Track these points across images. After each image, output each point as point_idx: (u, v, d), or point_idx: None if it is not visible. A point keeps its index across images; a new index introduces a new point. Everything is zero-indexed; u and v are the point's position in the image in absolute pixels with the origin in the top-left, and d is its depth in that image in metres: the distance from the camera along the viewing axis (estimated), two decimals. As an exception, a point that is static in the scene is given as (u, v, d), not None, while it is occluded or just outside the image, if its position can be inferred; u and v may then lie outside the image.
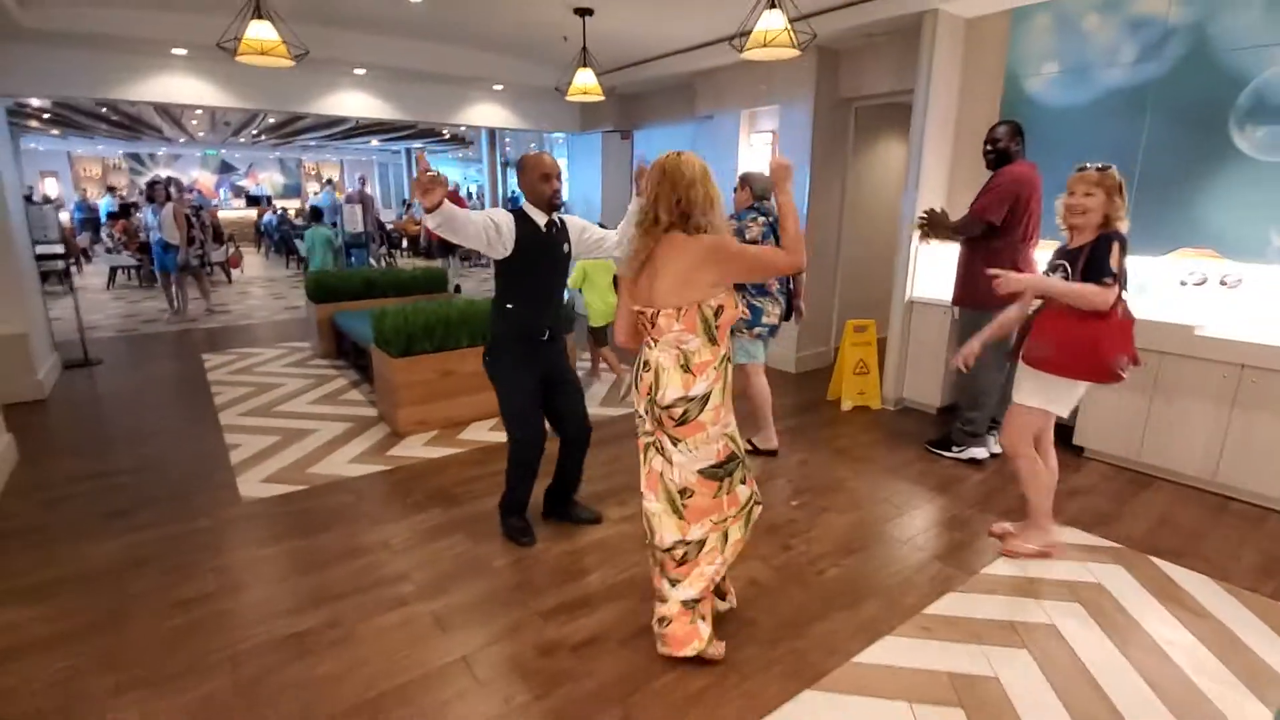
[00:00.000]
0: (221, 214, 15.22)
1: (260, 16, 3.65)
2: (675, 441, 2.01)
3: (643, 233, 1.99)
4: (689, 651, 2.10)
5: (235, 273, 11.59)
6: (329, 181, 18.64)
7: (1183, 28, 3.53)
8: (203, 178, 19.04)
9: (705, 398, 1.96)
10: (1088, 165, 2.60)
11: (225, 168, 19.59)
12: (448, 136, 14.92)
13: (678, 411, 1.97)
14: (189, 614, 2.41)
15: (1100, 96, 3.88)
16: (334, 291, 6.13)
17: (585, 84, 5.02)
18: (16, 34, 4.61)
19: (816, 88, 5.22)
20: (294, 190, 20.33)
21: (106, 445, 4.04)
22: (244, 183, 19.75)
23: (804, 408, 4.85)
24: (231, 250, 11.17)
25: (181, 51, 5.31)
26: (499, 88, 7.00)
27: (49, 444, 4.05)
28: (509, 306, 2.72)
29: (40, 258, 5.71)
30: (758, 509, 2.17)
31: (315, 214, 9.71)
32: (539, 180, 2.65)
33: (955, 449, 3.93)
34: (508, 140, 12.14)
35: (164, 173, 18.45)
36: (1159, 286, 3.80)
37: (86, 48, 5.10)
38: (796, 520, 3.18)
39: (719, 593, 2.37)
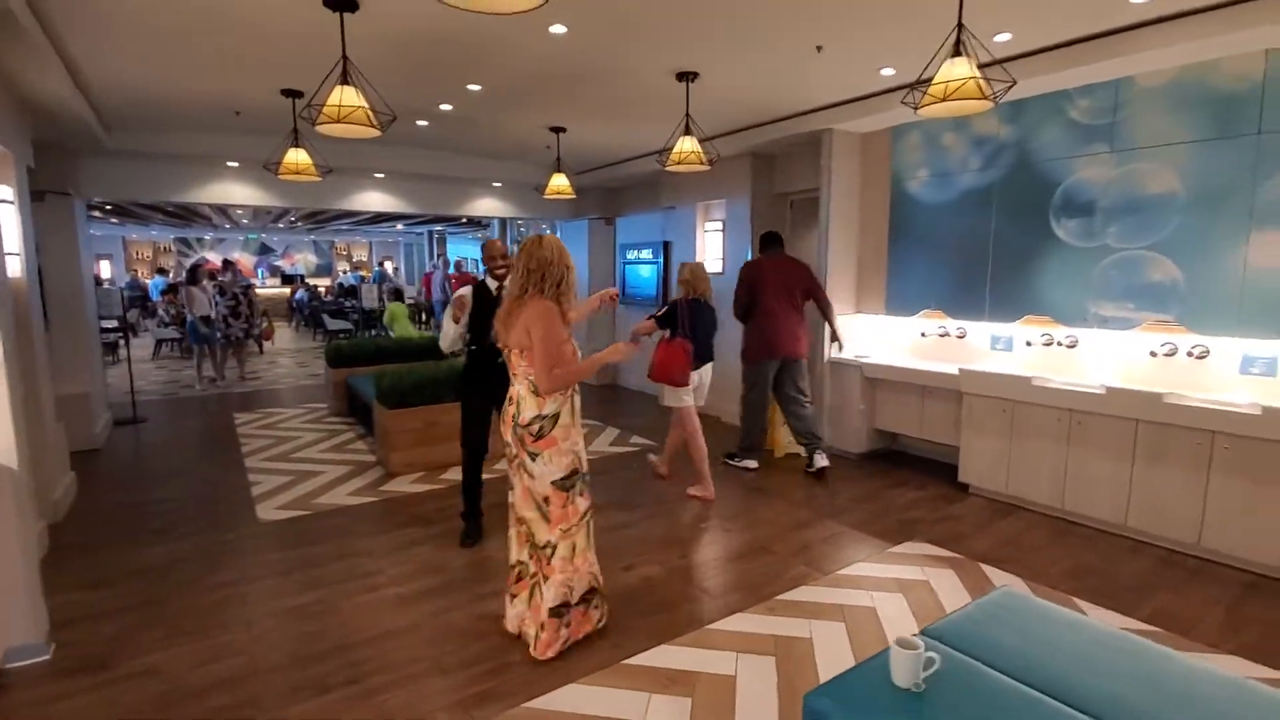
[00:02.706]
0: (259, 291, 16.70)
1: (297, 145, 4.78)
2: (534, 456, 2.59)
3: (514, 297, 2.64)
4: (552, 654, 2.64)
5: (267, 344, 12.75)
6: (381, 262, 20.53)
7: (1010, 143, 4.45)
8: (243, 258, 20.75)
9: (556, 416, 2.65)
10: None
11: (264, 249, 21.36)
12: (464, 221, 16.35)
13: (535, 427, 2.62)
14: (216, 594, 3.19)
15: (959, 195, 4.79)
16: (349, 358, 7.11)
17: (559, 185, 6.08)
18: (103, 153, 5.84)
19: (753, 185, 6.23)
20: (326, 269, 22.01)
21: (150, 482, 4.91)
22: (280, 263, 21.43)
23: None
24: (264, 324, 12.37)
25: (234, 164, 6.51)
26: (498, 184, 8.17)
27: (103, 482, 4.94)
28: (472, 348, 3.70)
29: (101, 330, 6.80)
30: (590, 523, 2.79)
31: (397, 294, 11.55)
32: (489, 260, 3.72)
33: (736, 459, 5.13)
34: (521, 223, 13.46)
35: (211, 255, 20.31)
36: (1018, 347, 4.55)
37: (158, 162, 6.32)
38: (697, 537, 3.89)
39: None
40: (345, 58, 3.28)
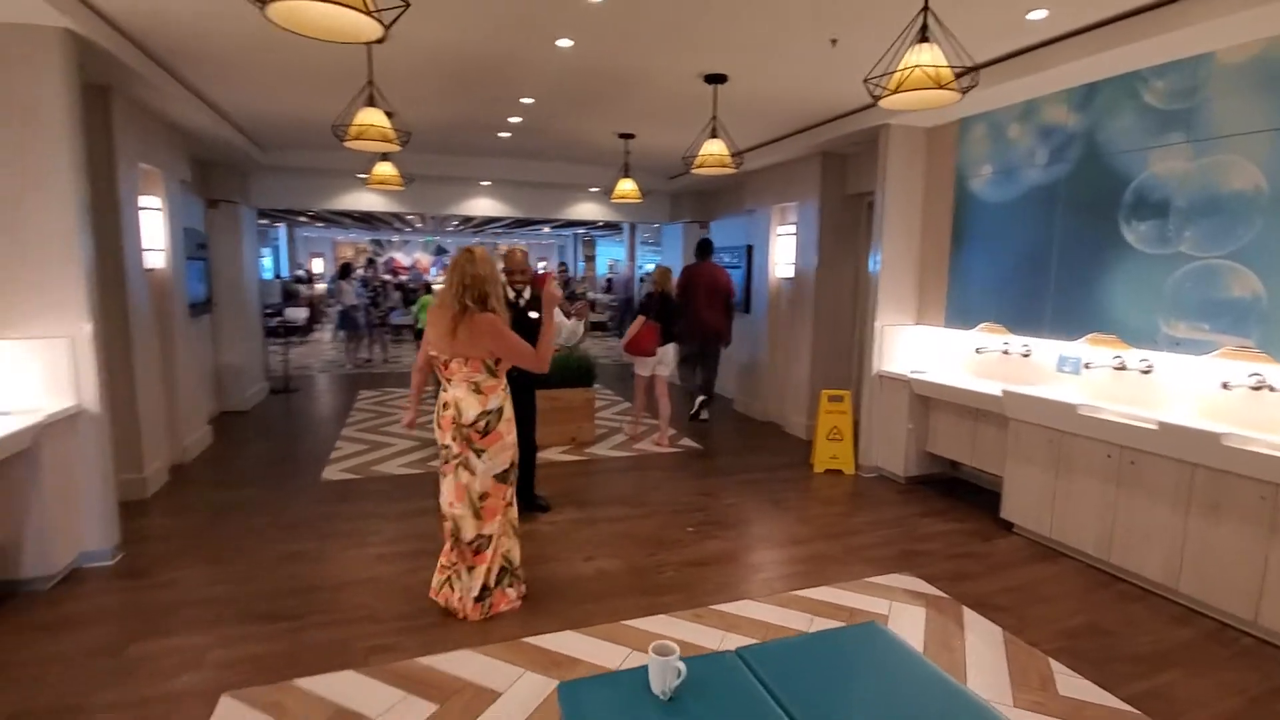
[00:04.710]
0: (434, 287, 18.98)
1: (386, 160, 5.50)
2: (480, 453, 2.83)
3: (456, 311, 2.77)
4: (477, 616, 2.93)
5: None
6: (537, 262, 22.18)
7: (1079, 133, 3.86)
8: (422, 258, 23.60)
9: (500, 410, 2.90)
10: None
11: (440, 250, 24.08)
12: (601, 224, 17.18)
13: (481, 424, 2.85)
14: (247, 533, 3.85)
15: (1023, 194, 4.23)
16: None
17: (625, 189, 6.27)
18: (264, 168, 7.11)
19: (823, 186, 5.96)
20: (489, 268, 24.26)
21: (262, 440, 5.93)
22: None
23: (783, 466, 5.39)
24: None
25: (363, 175, 7.56)
26: (594, 189, 8.58)
27: (234, 436, 6.04)
28: None
29: (273, 314, 8.25)
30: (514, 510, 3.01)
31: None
32: (508, 273, 3.95)
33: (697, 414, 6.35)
34: (651, 229, 13.94)
35: (399, 255, 23.40)
36: (1086, 370, 3.92)
37: (306, 175, 7.54)
38: (680, 540, 3.88)
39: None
40: (370, 82, 3.77)
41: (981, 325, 4.60)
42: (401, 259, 23.68)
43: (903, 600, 3.19)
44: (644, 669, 1.75)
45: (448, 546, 3.05)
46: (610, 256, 22.80)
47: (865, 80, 2.75)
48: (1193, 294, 3.32)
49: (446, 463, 2.92)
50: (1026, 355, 4.33)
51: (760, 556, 3.68)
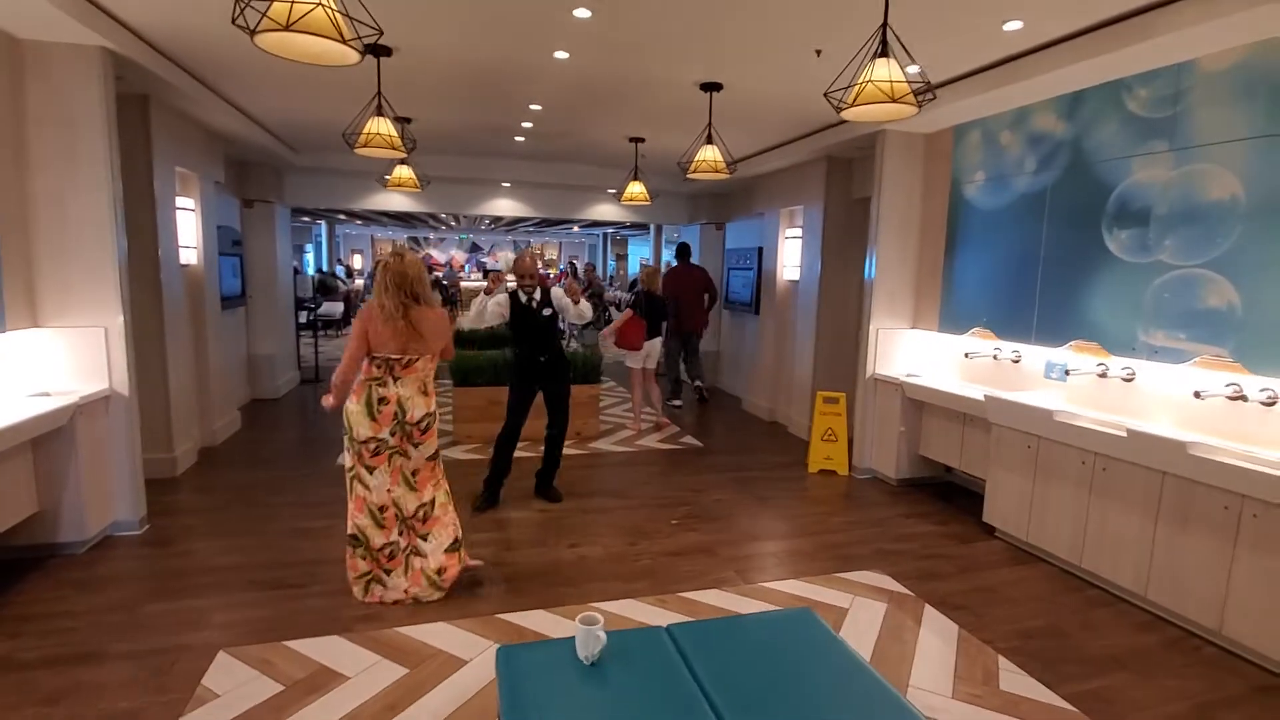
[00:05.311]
0: (464, 284, 19.48)
1: (405, 163, 5.79)
2: (416, 445, 3.06)
3: (404, 311, 2.95)
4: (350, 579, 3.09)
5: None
6: (571, 260, 22.57)
7: (1067, 140, 3.87)
8: (458, 255, 24.21)
9: (436, 411, 3.14)
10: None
11: (474, 248, 24.66)
12: (629, 224, 17.38)
13: (424, 423, 3.07)
14: (263, 510, 4.16)
15: (1013, 201, 4.25)
16: (467, 341, 8.20)
17: (634, 192, 6.43)
18: (293, 169, 7.51)
19: (827, 190, 6.03)
20: (522, 265, 24.81)
21: (289, 426, 6.29)
22: (485, 259, 24.57)
23: (778, 466, 5.50)
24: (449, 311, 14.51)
25: (389, 176, 7.90)
26: (612, 190, 8.77)
27: (261, 422, 6.43)
28: (516, 350, 4.37)
29: (312, 309, 8.68)
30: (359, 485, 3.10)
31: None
32: (518, 276, 4.23)
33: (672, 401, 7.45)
34: (678, 230, 14.10)
35: (435, 252, 24.05)
36: (1072, 377, 3.94)
37: (336, 175, 7.91)
38: (661, 530, 4.04)
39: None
40: (379, 94, 4.03)
41: (973, 330, 4.63)
42: (438, 256, 24.34)
43: (865, 595, 3.29)
44: (574, 639, 1.93)
45: (385, 554, 3.08)
46: (642, 256, 23.04)
47: (825, 94, 2.86)
48: (1171, 303, 3.32)
49: (377, 454, 3.01)
50: (1017, 361, 4.36)
51: (736, 550, 3.81)
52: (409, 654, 2.68)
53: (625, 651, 1.94)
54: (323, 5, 1.97)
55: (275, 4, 2.01)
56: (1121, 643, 2.94)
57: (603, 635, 1.87)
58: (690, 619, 2.97)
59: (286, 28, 1.97)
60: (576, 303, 4.30)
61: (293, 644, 2.73)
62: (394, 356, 3.01)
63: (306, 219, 17.25)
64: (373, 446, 3.01)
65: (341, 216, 16.23)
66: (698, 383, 7.59)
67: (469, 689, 2.47)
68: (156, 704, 2.34)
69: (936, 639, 2.91)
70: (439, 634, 2.84)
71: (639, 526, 4.11)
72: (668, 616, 3.01)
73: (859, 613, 3.13)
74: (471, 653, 2.70)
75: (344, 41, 2.08)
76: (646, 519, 4.24)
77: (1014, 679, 2.64)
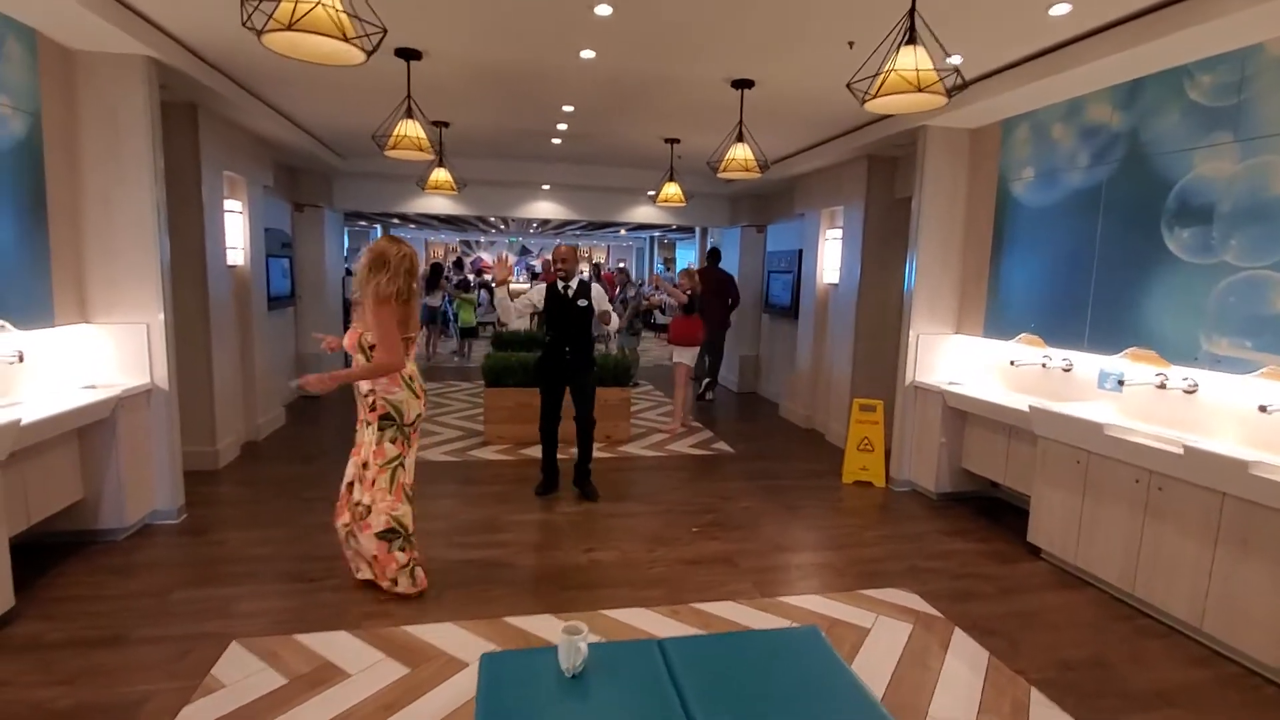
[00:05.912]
0: (513, 286, 19.86)
1: (441, 165, 5.89)
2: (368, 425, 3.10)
3: (405, 298, 3.02)
4: (390, 576, 3.07)
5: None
6: (620, 262, 22.78)
7: (1124, 132, 3.60)
8: (510, 258, 24.67)
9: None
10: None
11: (524, 250, 25.03)
12: (675, 227, 17.30)
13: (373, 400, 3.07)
14: (297, 504, 4.28)
15: (1064, 198, 3.99)
16: (508, 344, 8.29)
17: (669, 193, 6.37)
18: (340, 175, 7.75)
19: (868, 190, 5.81)
20: (570, 268, 25.07)
21: (331, 424, 6.47)
22: (534, 263, 24.92)
23: (812, 475, 5.32)
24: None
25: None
26: (651, 193, 8.71)
27: (305, 419, 6.65)
28: (547, 337, 4.46)
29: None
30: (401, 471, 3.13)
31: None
32: (553, 266, 4.36)
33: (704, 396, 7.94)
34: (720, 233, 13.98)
35: (485, 255, 24.53)
36: (1127, 388, 3.65)
37: (382, 180, 8.12)
38: (680, 538, 3.95)
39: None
40: (410, 97, 4.09)
41: (1020, 336, 4.36)
42: (488, 259, 24.82)
43: (890, 615, 3.12)
44: (550, 649, 1.87)
45: (396, 544, 3.09)
46: (689, 259, 22.96)
47: (849, 85, 2.73)
48: (1236, 308, 3.04)
49: (415, 430, 3.21)
50: (1068, 370, 4.08)
51: (757, 561, 3.69)
52: (412, 653, 2.68)
53: (612, 664, 1.87)
54: (323, 4, 1.98)
55: (280, 4, 2.03)
56: (1172, 678, 2.69)
57: (584, 647, 1.80)
58: (700, 631, 2.89)
59: (289, 27, 1.99)
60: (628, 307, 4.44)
61: (301, 637, 2.76)
62: (409, 335, 3.12)
63: (363, 223, 17.84)
64: (418, 424, 3.17)
65: (395, 220, 16.72)
66: (706, 380, 8.02)
67: (466, 692, 2.44)
68: (165, 690, 2.40)
69: (963, 666, 2.73)
70: (444, 634, 2.83)
71: (659, 533, 4.03)
72: (676, 627, 2.92)
73: (881, 633, 2.96)
74: (473, 655, 2.66)
75: (347, 40, 2.09)
76: (668, 525, 4.15)
77: (1046, 712, 2.44)
